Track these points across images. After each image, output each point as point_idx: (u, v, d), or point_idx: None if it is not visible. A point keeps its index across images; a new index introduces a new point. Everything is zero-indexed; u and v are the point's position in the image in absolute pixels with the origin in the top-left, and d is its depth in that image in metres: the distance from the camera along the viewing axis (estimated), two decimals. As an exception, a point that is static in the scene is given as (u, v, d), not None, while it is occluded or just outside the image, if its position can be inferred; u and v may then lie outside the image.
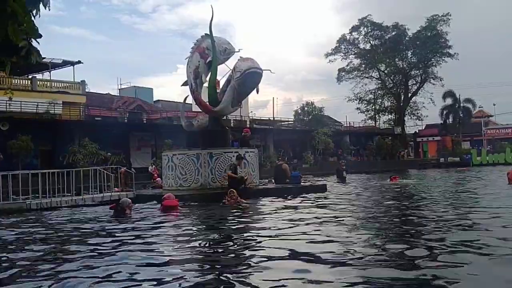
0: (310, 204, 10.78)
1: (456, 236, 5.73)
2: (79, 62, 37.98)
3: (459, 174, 28.35)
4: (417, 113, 60.59)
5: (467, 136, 58.25)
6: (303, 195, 13.01)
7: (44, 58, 4.74)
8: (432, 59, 58.00)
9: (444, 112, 56.76)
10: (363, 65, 60.25)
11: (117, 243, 5.96)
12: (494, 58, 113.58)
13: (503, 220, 6.97)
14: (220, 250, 5.44)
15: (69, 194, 12.49)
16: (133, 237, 6.43)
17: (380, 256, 4.66)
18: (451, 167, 42.43)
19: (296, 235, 6.26)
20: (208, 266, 4.55)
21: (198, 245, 5.72)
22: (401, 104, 59.89)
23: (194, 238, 6.33)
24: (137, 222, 8.26)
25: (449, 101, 56.30)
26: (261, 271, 4.22)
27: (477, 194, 13.00)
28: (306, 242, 5.62)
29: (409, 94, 60.52)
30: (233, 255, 5.12)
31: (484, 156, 48.11)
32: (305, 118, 55.18)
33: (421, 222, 7.36)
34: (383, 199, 12.02)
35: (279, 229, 6.83)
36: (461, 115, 55.89)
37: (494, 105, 71.80)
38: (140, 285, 3.87)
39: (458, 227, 6.58)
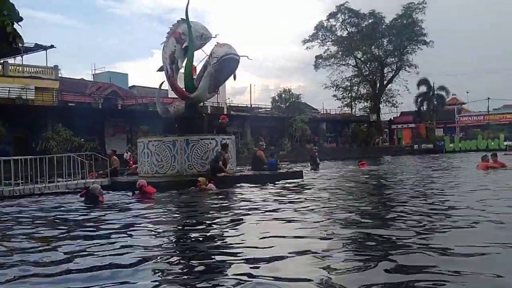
0: (285, 190, 10.85)
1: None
2: (52, 46, 37.11)
3: (429, 160, 28.90)
4: (392, 101, 61.42)
5: (440, 123, 59.34)
6: (280, 182, 13.11)
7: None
8: (408, 47, 58.70)
9: (419, 100, 57.66)
10: (340, 53, 60.53)
11: (89, 231, 5.88)
12: (468, 47, 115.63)
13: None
14: (196, 237, 5.42)
15: (42, 181, 12.24)
16: (105, 225, 6.34)
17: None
18: (424, 154, 43.29)
19: (269, 219, 6.31)
20: (183, 254, 4.53)
21: (173, 233, 5.67)
22: (377, 91, 60.56)
23: (168, 225, 6.28)
24: (109, 209, 8.12)
25: (423, 88, 57.22)
26: (238, 258, 4.22)
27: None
28: (282, 224, 5.67)
29: (385, 82, 61.19)
30: (209, 241, 5.11)
31: (456, 143, 49.20)
32: (282, 105, 55.28)
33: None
34: (351, 184, 12.46)
35: (254, 214, 6.86)
36: (435, 102, 56.85)
37: (467, 93, 73.45)
38: (112, 274, 3.82)
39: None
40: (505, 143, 46.30)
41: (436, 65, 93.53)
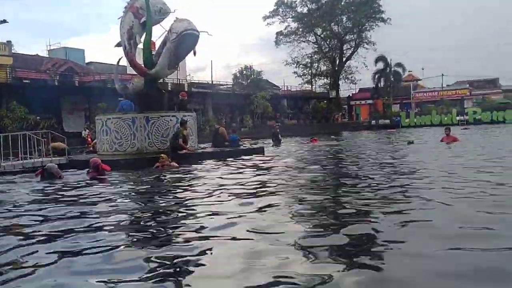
0: (246, 166, 10.99)
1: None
2: (4, 21, 35.31)
3: (383, 136, 29.76)
4: (351, 77, 62.59)
5: (397, 99, 60.81)
6: (241, 157, 13.25)
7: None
8: (366, 24, 59.50)
9: (376, 76, 58.80)
10: (300, 29, 60.77)
11: (45, 210, 5.82)
12: (423, 24, 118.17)
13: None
14: (155, 215, 5.47)
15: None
16: (63, 204, 6.27)
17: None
18: (382, 129, 44.43)
19: (231, 194, 6.43)
20: (143, 237, 4.58)
21: (131, 212, 5.57)
22: (336, 68, 61.36)
23: (125, 204, 6.18)
24: (65, 188, 7.98)
25: (380, 65, 58.33)
26: (199, 240, 4.33)
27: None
28: (239, 204, 5.79)
29: (344, 59, 62.04)
30: (170, 223, 5.18)
31: (412, 118, 50.72)
32: (243, 82, 55.19)
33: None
34: (308, 158, 12.97)
35: (215, 189, 6.95)
36: (392, 79, 58.13)
37: (423, 69, 75.69)
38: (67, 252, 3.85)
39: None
40: (457, 118, 48.10)
41: (393, 42, 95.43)
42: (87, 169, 9.79)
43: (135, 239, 4.13)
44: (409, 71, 63.34)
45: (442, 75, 64.29)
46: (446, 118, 48.12)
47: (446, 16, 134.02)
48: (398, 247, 3.48)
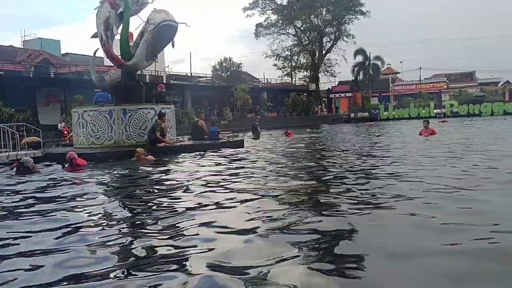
0: (226, 158, 10.93)
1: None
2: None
3: (361, 128, 30.03)
4: (331, 70, 62.94)
5: (376, 92, 61.34)
6: (221, 150, 13.17)
7: None
8: (346, 17, 59.73)
9: (355, 69, 59.12)
10: (280, 21, 60.71)
11: (21, 204, 5.69)
12: (402, 18, 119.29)
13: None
14: (132, 209, 5.38)
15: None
16: (37, 199, 6.12)
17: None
18: (360, 122, 44.78)
19: (209, 187, 6.37)
20: (123, 230, 4.49)
21: (105, 207, 5.44)
22: (316, 61, 61.55)
23: (102, 198, 6.09)
24: (41, 182, 7.81)
25: (360, 58, 58.61)
26: (176, 224, 4.26)
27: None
28: (221, 193, 5.75)
29: (324, 52, 62.24)
30: (150, 216, 5.10)
31: (390, 111, 51.18)
32: (223, 74, 54.87)
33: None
34: (288, 150, 13.07)
35: (193, 183, 6.88)
36: (371, 72, 58.54)
37: (401, 62, 76.42)
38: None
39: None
40: (435, 111, 48.75)
41: (372, 35, 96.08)
42: (64, 163, 9.61)
43: (108, 234, 4.02)
44: (388, 64, 63.95)
45: (420, 68, 65.07)
46: (423, 111, 48.69)
47: (424, 9, 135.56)
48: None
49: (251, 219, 4.30)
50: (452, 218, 4.04)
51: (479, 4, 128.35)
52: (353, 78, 60.15)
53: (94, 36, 14.37)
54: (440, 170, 7.16)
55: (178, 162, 10.67)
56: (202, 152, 12.61)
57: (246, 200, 5.29)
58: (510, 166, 7.34)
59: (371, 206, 4.70)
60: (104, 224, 4.48)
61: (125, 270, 3.04)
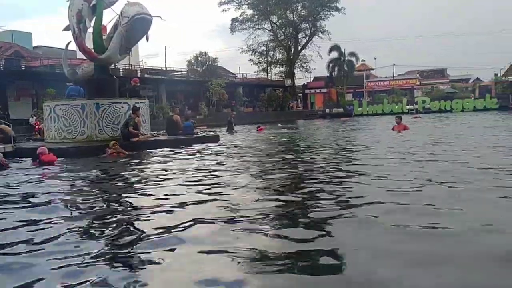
0: (200, 153, 10.92)
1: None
2: None
3: (335, 124, 30.36)
4: (306, 66, 63.30)
5: (350, 88, 61.86)
6: (196, 145, 13.14)
7: None
8: (321, 13, 60.07)
9: (330, 65, 59.50)
10: (256, 16, 60.62)
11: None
12: (376, 15, 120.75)
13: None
14: (103, 204, 5.33)
15: None
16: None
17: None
18: (335, 118, 45.20)
19: (182, 181, 6.37)
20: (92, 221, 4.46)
21: (74, 203, 5.32)
22: (291, 56, 61.78)
23: (73, 194, 5.99)
24: (7, 177, 7.62)
25: (335, 54, 58.99)
26: (147, 220, 4.26)
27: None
28: (196, 191, 5.76)
29: (299, 47, 62.50)
30: (118, 207, 5.07)
31: (364, 107, 51.80)
32: (198, 69, 54.57)
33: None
34: (263, 145, 13.25)
35: (163, 180, 6.85)
36: (345, 68, 59.04)
37: (375, 59, 77.32)
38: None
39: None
40: (408, 107, 49.58)
41: (347, 31, 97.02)
42: (34, 158, 9.44)
43: (76, 232, 3.96)
44: (362, 61, 64.58)
45: (394, 64, 65.96)
46: (397, 107, 49.44)
47: (397, 7, 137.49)
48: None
49: (219, 212, 4.32)
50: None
51: (448, 3, 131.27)
52: (328, 74, 60.54)
53: (66, 28, 14.13)
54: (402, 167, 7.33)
55: (151, 157, 10.60)
56: (176, 147, 12.55)
57: (216, 194, 5.34)
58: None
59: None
60: (60, 223, 4.34)
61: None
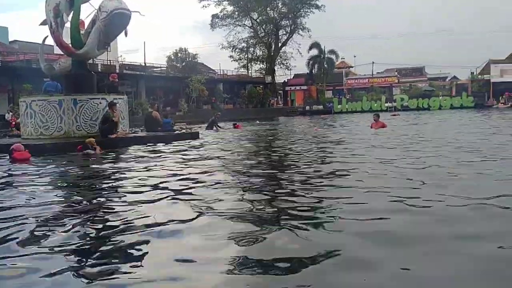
0: (179, 151, 10.88)
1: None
2: None
3: (314, 121, 30.60)
4: (286, 63, 63.49)
5: (330, 86, 62.34)
6: (176, 142, 13.08)
7: None
8: (301, 10, 60.29)
9: (310, 63, 59.84)
10: (236, 13, 60.50)
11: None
12: (356, 13, 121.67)
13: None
14: (81, 201, 5.30)
15: None
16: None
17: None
18: (315, 115, 45.54)
19: (161, 178, 6.36)
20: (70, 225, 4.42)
21: (49, 201, 5.22)
22: (272, 53, 61.88)
23: (49, 191, 5.91)
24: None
25: (315, 52, 59.36)
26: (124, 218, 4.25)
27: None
28: (178, 184, 5.76)
29: (279, 44, 62.63)
30: (95, 204, 5.04)
31: (344, 104, 52.33)
32: (178, 65, 54.20)
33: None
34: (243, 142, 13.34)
35: (144, 175, 6.84)
36: (325, 65, 59.43)
37: (355, 56, 77.88)
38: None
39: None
40: (386, 104, 50.25)
41: (329, 30, 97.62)
42: (10, 155, 9.27)
43: (53, 231, 3.94)
44: (342, 58, 65.12)
45: (373, 62, 66.57)
46: (375, 105, 50.07)
47: (379, 6, 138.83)
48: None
49: (195, 211, 4.33)
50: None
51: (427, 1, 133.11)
52: (308, 71, 60.89)
53: (43, 23, 13.91)
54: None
55: (129, 154, 10.49)
56: (155, 144, 12.48)
57: (193, 188, 5.38)
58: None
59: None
60: (39, 218, 4.32)
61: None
